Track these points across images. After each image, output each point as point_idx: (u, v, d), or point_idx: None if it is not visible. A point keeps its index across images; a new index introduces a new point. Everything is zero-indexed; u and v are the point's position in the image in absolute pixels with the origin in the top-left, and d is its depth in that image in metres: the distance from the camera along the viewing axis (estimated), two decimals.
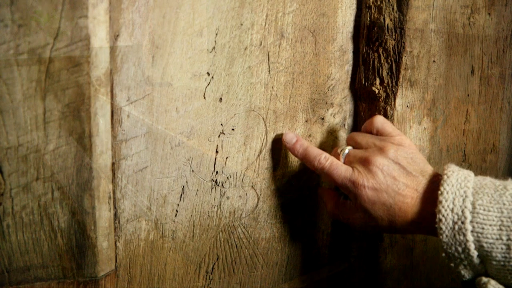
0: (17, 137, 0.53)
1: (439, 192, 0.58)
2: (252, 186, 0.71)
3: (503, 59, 0.80)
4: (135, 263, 0.65)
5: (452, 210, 0.57)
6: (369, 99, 0.74)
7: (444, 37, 0.74)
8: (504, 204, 0.56)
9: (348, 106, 0.76)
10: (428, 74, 0.75)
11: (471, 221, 0.56)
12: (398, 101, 0.73)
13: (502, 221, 0.55)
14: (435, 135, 0.79)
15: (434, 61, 0.75)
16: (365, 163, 0.63)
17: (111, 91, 0.57)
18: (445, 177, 0.60)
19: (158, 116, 0.61)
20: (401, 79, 0.72)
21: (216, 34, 0.63)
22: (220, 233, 0.70)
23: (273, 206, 0.73)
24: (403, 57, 0.72)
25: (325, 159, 0.65)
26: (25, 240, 0.57)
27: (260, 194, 0.72)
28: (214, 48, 0.63)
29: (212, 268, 0.71)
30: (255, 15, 0.64)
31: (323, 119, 0.74)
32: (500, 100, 0.82)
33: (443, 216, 0.57)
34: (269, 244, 0.75)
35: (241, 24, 0.64)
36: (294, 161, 0.73)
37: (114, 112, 0.58)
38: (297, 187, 0.74)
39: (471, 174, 0.60)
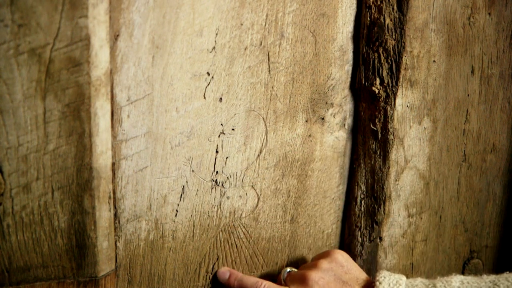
0: (17, 137, 0.53)
1: None
2: (252, 186, 0.71)
3: (503, 59, 0.80)
4: (135, 263, 0.65)
5: None
6: (369, 99, 0.74)
7: (444, 37, 0.74)
8: None
9: (348, 106, 0.76)
10: (428, 74, 0.75)
11: None
12: (398, 101, 0.73)
13: None
14: (435, 135, 0.79)
15: (434, 61, 0.75)
16: (302, 280, 0.67)
17: (111, 91, 0.57)
18: (377, 283, 0.64)
19: (158, 116, 0.61)
20: (401, 79, 0.72)
21: (216, 34, 0.62)
22: (220, 233, 0.70)
23: (273, 206, 0.73)
24: (403, 57, 0.72)
25: (261, 286, 0.67)
26: (25, 240, 0.57)
27: (260, 194, 0.72)
28: (214, 48, 0.63)
29: (212, 268, 0.71)
30: (255, 15, 0.64)
31: (323, 119, 0.74)
32: (500, 100, 0.82)
33: None
34: (269, 244, 0.75)
35: (241, 24, 0.64)
36: (294, 161, 0.73)
37: (114, 112, 0.58)
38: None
39: (403, 277, 0.65)
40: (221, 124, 0.66)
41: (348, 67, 0.74)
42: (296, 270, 0.71)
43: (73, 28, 0.52)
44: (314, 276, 0.66)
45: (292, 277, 0.69)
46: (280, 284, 0.70)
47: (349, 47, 0.73)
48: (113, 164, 0.60)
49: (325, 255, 0.70)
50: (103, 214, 0.60)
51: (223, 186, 0.69)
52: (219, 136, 0.66)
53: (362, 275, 0.68)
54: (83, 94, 0.54)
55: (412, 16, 0.71)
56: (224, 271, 0.70)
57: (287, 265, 0.76)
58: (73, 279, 0.61)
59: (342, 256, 0.69)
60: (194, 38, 0.61)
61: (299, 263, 0.77)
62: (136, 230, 0.64)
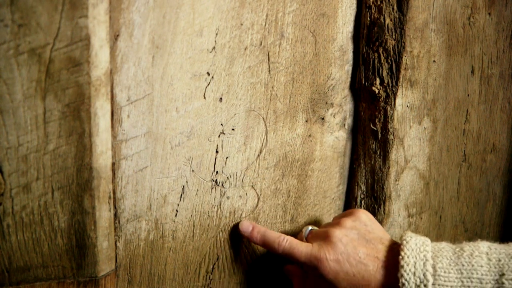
0: (17, 137, 0.53)
1: (400, 257, 0.61)
2: (252, 186, 0.71)
3: (503, 59, 0.80)
4: (135, 263, 0.65)
5: (414, 274, 0.59)
6: (369, 99, 0.74)
7: (444, 37, 0.74)
8: (463, 265, 0.59)
9: (348, 106, 0.76)
10: (428, 74, 0.75)
11: (433, 284, 0.59)
12: (398, 101, 0.73)
13: (462, 281, 0.58)
14: (435, 135, 0.79)
15: (434, 61, 0.75)
16: (325, 237, 0.65)
17: (111, 91, 0.57)
18: (404, 242, 0.62)
19: (158, 116, 0.61)
20: (401, 79, 0.72)
21: (216, 34, 0.62)
22: (220, 233, 0.70)
23: (273, 206, 0.73)
24: (403, 57, 0.72)
25: (284, 241, 0.66)
26: (25, 240, 0.57)
27: (260, 194, 0.72)
28: (214, 48, 0.63)
29: (212, 268, 0.71)
30: (255, 15, 0.64)
31: (323, 119, 0.74)
32: (500, 100, 0.82)
33: (405, 280, 0.59)
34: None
35: (241, 24, 0.64)
36: (294, 161, 0.73)
37: (114, 112, 0.58)
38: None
39: (428, 239, 0.63)
40: (221, 124, 0.66)
41: (348, 67, 0.74)
42: (317, 228, 0.71)
43: (73, 28, 0.52)
44: (338, 233, 0.65)
45: (314, 234, 0.68)
46: (301, 241, 0.69)
47: (349, 47, 0.73)
48: (113, 164, 0.60)
49: (348, 214, 0.69)
50: (103, 214, 0.60)
51: (223, 186, 0.69)
52: (219, 136, 0.66)
53: (385, 236, 0.67)
54: (83, 94, 0.54)
55: (412, 16, 0.71)
56: (247, 224, 0.69)
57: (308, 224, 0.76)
58: (73, 279, 0.61)
59: (366, 215, 0.68)
60: (194, 38, 0.61)
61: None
62: (136, 230, 0.64)
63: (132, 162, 0.61)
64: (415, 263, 0.60)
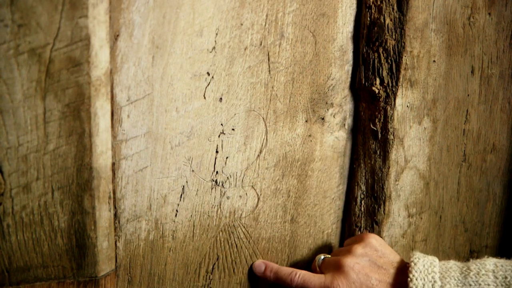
0: (17, 137, 0.53)
1: (409, 279, 0.62)
2: (252, 186, 0.71)
3: (503, 59, 0.80)
4: (135, 263, 0.65)
5: None
6: (369, 99, 0.74)
7: (444, 37, 0.74)
8: (470, 285, 0.60)
9: (348, 106, 0.76)
10: (428, 74, 0.75)
11: None
12: (398, 101, 0.73)
13: None
14: (435, 135, 0.79)
15: (434, 61, 0.75)
16: (337, 266, 0.66)
17: (111, 91, 0.57)
18: (412, 264, 0.63)
19: (158, 116, 0.61)
20: (401, 79, 0.72)
21: (216, 34, 0.62)
22: (220, 233, 0.70)
23: (273, 206, 0.73)
24: (403, 57, 0.72)
25: (297, 276, 0.68)
26: (25, 240, 0.57)
27: (260, 194, 0.72)
28: (214, 48, 0.63)
29: (212, 268, 0.71)
30: (255, 15, 0.64)
31: (323, 119, 0.74)
32: (500, 100, 0.82)
33: None
34: (269, 244, 0.75)
35: (241, 24, 0.64)
36: (294, 161, 0.73)
37: (114, 112, 0.58)
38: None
39: (436, 259, 0.64)
40: (221, 124, 0.66)
41: (348, 67, 0.74)
42: (329, 256, 0.72)
43: (73, 28, 0.52)
44: (350, 262, 0.66)
45: (327, 264, 0.69)
46: (315, 271, 0.70)
47: (349, 47, 0.73)
48: (113, 164, 0.60)
49: (358, 239, 0.70)
50: (103, 214, 0.60)
51: (223, 186, 0.69)
52: (219, 136, 0.66)
53: (396, 258, 0.68)
54: (83, 94, 0.54)
55: (412, 16, 0.71)
56: (260, 264, 0.71)
57: (319, 252, 0.77)
58: (73, 279, 0.61)
59: (376, 240, 0.69)
60: (194, 38, 0.61)
61: (299, 263, 0.77)
62: (136, 230, 0.64)
63: (132, 162, 0.61)
64: (424, 285, 0.61)
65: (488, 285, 0.59)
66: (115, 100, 0.58)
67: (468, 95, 0.79)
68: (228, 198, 0.69)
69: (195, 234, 0.68)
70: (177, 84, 0.62)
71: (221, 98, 0.65)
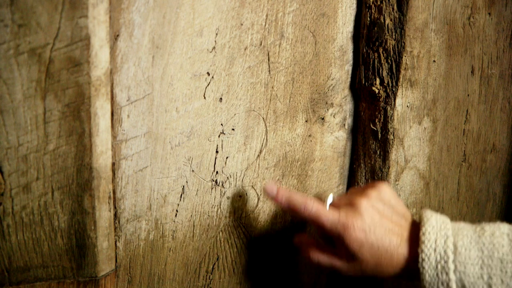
0: (17, 137, 0.53)
1: (421, 233, 0.60)
2: (252, 186, 0.71)
3: (503, 59, 0.80)
4: (135, 263, 0.65)
5: (434, 250, 0.59)
6: (369, 99, 0.74)
7: (444, 37, 0.74)
8: (483, 244, 0.58)
9: (348, 106, 0.76)
10: (428, 74, 0.75)
11: (454, 260, 0.58)
12: (398, 101, 0.73)
13: (482, 260, 0.57)
14: (435, 135, 0.79)
15: (434, 61, 0.75)
16: (351, 205, 0.63)
17: (111, 91, 0.57)
18: (425, 219, 0.61)
19: (158, 116, 0.61)
20: (401, 79, 0.72)
21: (216, 34, 0.63)
22: (220, 233, 0.70)
23: (273, 206, 0.73)
24: (403, 57, 0.72)
25: (311, 205, 0.64)
26: (25, 240, 0.57)
27: (260, 194, 0.72)
28: (214, 48, 0.63)
29: (212, 268, 0.71)
30: (255, 15, 0.64)
31: (323, 119, 0.74)
32: (500, 100, 0.82)
33: (426, 256, 0.59)
34: (268, 245, 0.75)
35: (241, 24, 0.64)
36: (294, 161, 0.73)
37: (114, 112, 0.58)
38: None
39: (447, 218, 0.62)
40: (221, 124, 0.66)
41: (348, 67, 0.74)
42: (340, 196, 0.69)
43: (73, 28, 0.52)
44: (365, 203, 0.63)
45: (338, 202, 0.66)
46: None
47: (349, 47, 0.73)
48: (113, 164, 0.60)
49: (371, 186, 0.67)
50: (103, 214, 0.60)
51: (223, 186, 0.69)
52: (219, 136, 0.66)
53: (407, 212, 0.66)
54: (83, 94, 0.54)
55: (412, 16, 0.71)
56: (272, 187, 0.66)
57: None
58: (73, 279, 0.61)
59: (389, 189, 0.66)
60: (194, 38, 0.61)
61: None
62: (136, 230, 0.64)
63: (132, 162, 0.61)
64: (436, 239, 0.59)
65: (503, 246, 0.57)
66: (115, 100, 0.58)
67: (468, 95, 0.79)
68: (228, 198, 0.69)
69: (195, 234, 0.68)
70: (177, 84, 0.62)
71: (221, 98, 0.65)
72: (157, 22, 0.58)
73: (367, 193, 0.65)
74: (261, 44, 0.66)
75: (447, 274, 0.58)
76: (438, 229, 0.60)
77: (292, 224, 0.75)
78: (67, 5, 0.51)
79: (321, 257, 0.65)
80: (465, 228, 0.60)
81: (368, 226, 0.61)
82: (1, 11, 0.49)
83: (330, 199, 0.67)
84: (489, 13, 0.77)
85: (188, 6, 0.60)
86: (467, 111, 0.80)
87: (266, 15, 0.65)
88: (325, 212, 0.63)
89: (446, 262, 0.58)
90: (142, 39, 0.58)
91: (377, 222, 0.62)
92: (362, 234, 0.61)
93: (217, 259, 0.71)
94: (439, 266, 0.58)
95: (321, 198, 0.69)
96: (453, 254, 0.58)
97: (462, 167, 0.83)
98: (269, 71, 0.68)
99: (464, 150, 0.82)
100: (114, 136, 0.59)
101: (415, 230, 0.62)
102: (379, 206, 0.63)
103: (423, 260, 0.59)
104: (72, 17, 0.51)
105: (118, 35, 0.56)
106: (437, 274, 0.58)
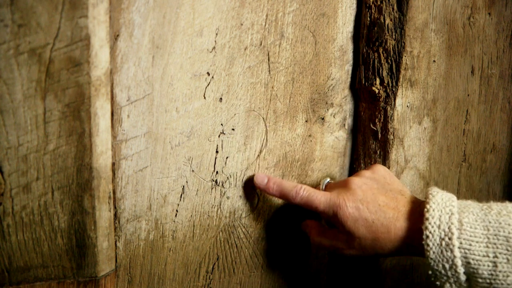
0: (17, 137, 0.53)
1: (425, 209, 0.59)
2: (252, 186, 0.71)
3: (503, 59, 0.80)
4: (135, 263, 0.65)
5: (439, 227, 0.58)
6: (369, 99, 0.74)
7: (444, 37, 0.74)
8: (489, 222, 0.57)
9: (348, 106, 0.76)
10: (428, 74, 0.75)
11: (458, 237, 0.57)
12: (398, 101, 0.73)
13: (488, 238, 0.56)
14: (435, 135, 0.79)
15: (434, 61, 0.75)
16: (344, 185, 0.64)
17: (111, 91, 0.57)
18: (430, 196, 0.61)
19: (158, 116, 0.61)
20: (401, 79, 0.72)
21: (216, 34, 0.62)
22: (220, 233, 0.70)
23: (273, 206, 0.73)
24: (403, 57, 0.72)
25: (301, 190, 0.65)
26: (25, 240, 0.57)
27: (260, 194, 0.72)
28: (214, 48, 0.63)
29: (212, 268, 0.71)
30: (255, 15, 0.64)
31: (323, 119, 0.74)
32: (500, 100, 0.82)
33: (430, 232, 0.58)
34: (269, 244, 0.75)
35: (241, 24, 0.64)
36: (294, 161, 0.73)
37: (114, 112, 0.58)
38: None
39: (454, 196, 0.61)
40: (221, 124, 0.66)
41: (348, 67, 0.74)
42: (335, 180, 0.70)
43: (73, 28, 0.52)
44: (358, 181, 0.64)
45: (333, 185, 0.67)
46: None
47: (349, 47, 0.73)
48: (113, 164, 0.60)
49: (366, 167, 0.68)
50: (103, 214, 0.60)
51: (223, 186, 0.69)
52: (219, 136, 0.66)
53: (405, 189, 0.65)
54: (83, 94, 0.54)
55: (412, 16, 0.71)
56: (262, 176, 0.68)
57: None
58: (73, 279, 0.61)
59: (384, 169, 0.67)
60: (194, 38, 0.61)
61: None
62: (136, 230, 0.64)
63: (132, 162, 0.61)
64: (440, 216, 0.58)
65: (509, 225, 0.56)
66: (115, 100, 0.58)
67: (468, 95, 0.80)
68: (228, 198, 0.69)
69: (195, 234, 0.68)
70: (177, 84, 0.62)
71: (221, 98, 0.65)
72: (157, 22, 0.58)
73: (360, 172, 0.66)
74: (261, 44, 0.66)
75: (451, 251, 0.57)
76: (443, 206, 0.59)
77: (292, 224, 0.75)
78: (67, 5, 0.51)
79: (323, 239, 0.67)
80: (472, 206, 0.59)
81: (360, 202, 0.62)
82: (1, 11, 0.49)
83: (325, 183, 0.69)
84: (489, 13, 0.77)
85: (188, 6, 0.60)
86: (467, 111, 0.80)
87: (266, 15, 0.65)
88: (317, 195, 0.64)
89: (450, 239, 0.57)
90: (142, 39, 0.58)
91: (369, 197, 0.62)
92: (355, 211, 0.62)
93: (217, 259, 0.71)
94: (443, 243, 0.57)
95: (317, 187, 0.70)
96: (458, 231, 0.57)
97: (462, 167, 0.83)
98: (269, 71, 0.68)
99: (464, 150, 0.82)
100: (114, 136, 0.59)
101: (416, 206, 0.61)
102: (372, 183, 0.64)
103: (427, 236, 0.58)
104: (72, 17, 0.51)
105: (118, 35, 0.56)
106: (441, 251, 0.57)
